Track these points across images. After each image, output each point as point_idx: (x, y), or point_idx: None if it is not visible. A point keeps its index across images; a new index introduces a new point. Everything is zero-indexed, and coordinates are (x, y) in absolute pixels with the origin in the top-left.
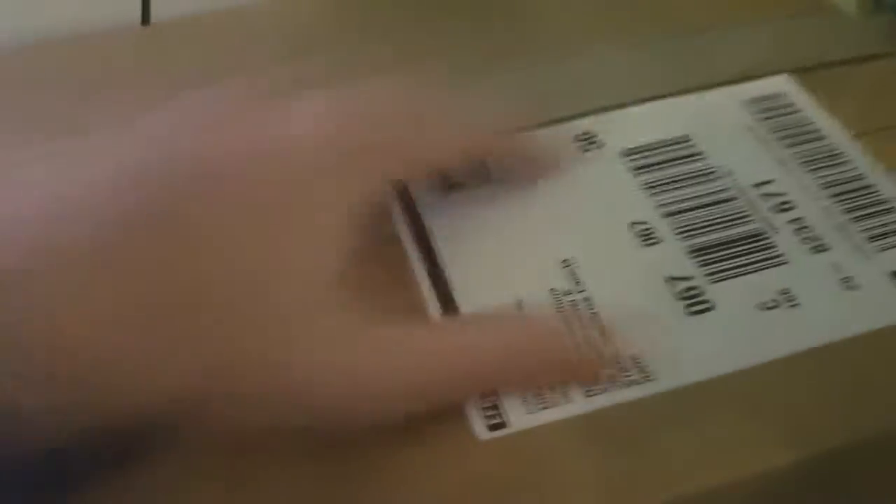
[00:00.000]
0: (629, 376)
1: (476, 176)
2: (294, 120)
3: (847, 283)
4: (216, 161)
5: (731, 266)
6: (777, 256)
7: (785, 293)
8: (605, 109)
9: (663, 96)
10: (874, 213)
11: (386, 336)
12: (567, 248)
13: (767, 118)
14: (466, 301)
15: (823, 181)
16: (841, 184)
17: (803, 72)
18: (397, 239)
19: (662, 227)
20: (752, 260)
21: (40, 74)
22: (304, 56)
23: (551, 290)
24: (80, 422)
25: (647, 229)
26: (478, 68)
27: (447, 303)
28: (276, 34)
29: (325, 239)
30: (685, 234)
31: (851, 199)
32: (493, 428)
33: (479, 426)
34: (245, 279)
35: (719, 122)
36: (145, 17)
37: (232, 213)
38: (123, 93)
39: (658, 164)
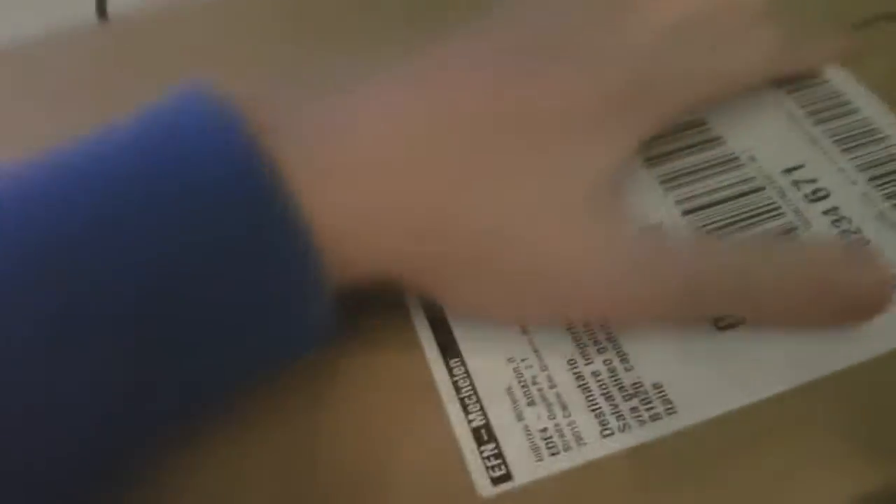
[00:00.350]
0: (651, 408)
1: None
2: None
3: None
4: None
5: None
6: None
7: None
8: None
9: None
10: None
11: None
12: None
13: (792, 91)
14: (463, 329)
15: (860, 162)
16: (880, 164)
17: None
18: None
19: (679, 228)
20: None
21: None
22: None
23: None
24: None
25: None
26: None
27: (443, 335)
28: (238, 27)
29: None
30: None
31: (893, 182)
32: (497, 481)
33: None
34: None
35: (740, 101)
36: (101, 12)
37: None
38: (88, 95)
39: (673, 152)
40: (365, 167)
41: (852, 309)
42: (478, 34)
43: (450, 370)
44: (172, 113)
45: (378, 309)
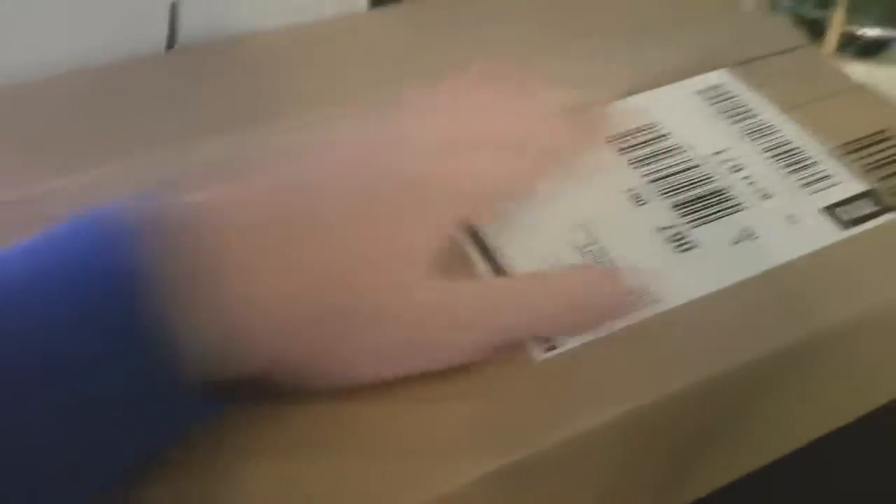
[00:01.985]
0: (644, 300)
1: None
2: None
3: (791, 219)
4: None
5: (705, 215)
6: (737, 205)
7: (747, 231)
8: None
9: (632, 93)
10: (803, 167)
11: (471, 286)
12: (580, 214)
13: (714, 103)
14: (510, 260)
15: (763, 147)
16: (776, 148)
17: (735, 65)
18: None
19: (649, 191)
20: (720, 209)
21: (73, 103)
22: (338, 80)
23: (574, 245)
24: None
25: (637, 194)
26: None
27: (494, 262)
28: (304, 58)
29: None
30: (667, 195)
31: (785, 158)
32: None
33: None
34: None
35: (678, 109)
36: (171, 42)
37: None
38: (154, 118)
39: (637, 145)
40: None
41: (604, 316)
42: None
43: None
44: (69, 234)
45: None
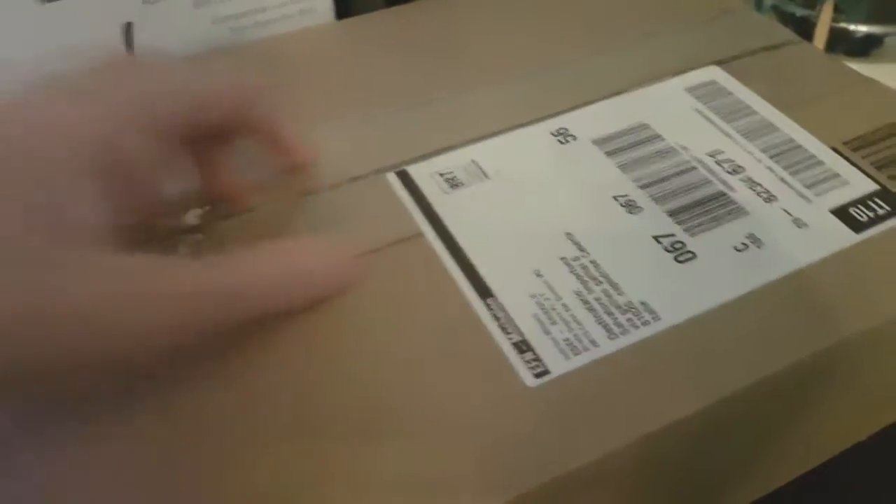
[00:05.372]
0: (642, 318)
1: (472, 175)
2: None
3: (798, 223)
4: None
5: (703, 221)
6: (739, 209)
7: (751, 237)
8: (573, 108)
9: (619, 92)
10: (807, 166)
11: (159, 265)
12: (567, 223)
13: (707, 101)
14: (495, 281)
15: (762, 146)
16: (776, 147)
17: (726, 62)
18: (421, 235)
19: (641, 198)
20: (720, 214)
21: None
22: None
23: (562, 258)
24: None
25: (629, 200)
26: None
27: (478, 283)
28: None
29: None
30: (661, 201)
31: (786, 158)
32: (539, 375)
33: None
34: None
35: (669, 109)
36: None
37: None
38: None
39: (626, 147)
40: None
41: (322, 287)
42: None
43: (487, 306)
44: None
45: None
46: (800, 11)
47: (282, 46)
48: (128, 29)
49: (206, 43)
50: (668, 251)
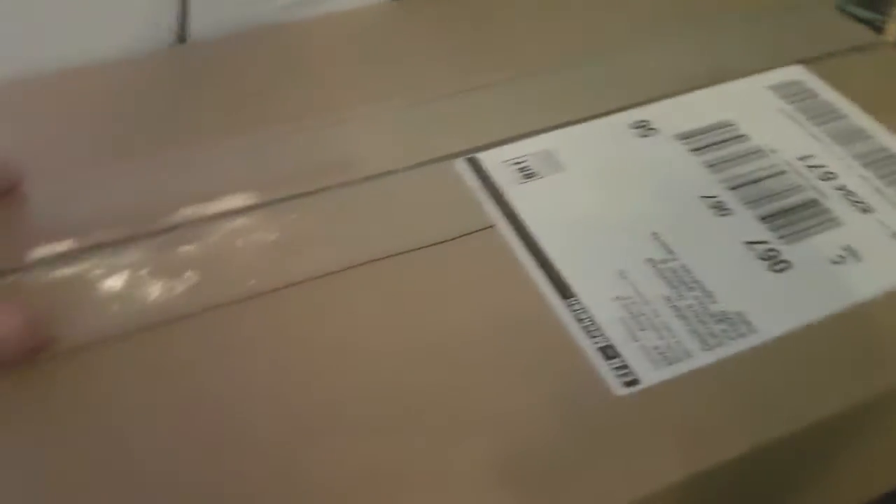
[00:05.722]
0: (738, 330)
1: (547, 165)
2: None
3: None
4: None
5: (798, 229)
6: (833, 219)
7: (848, 249)
8: (651, 100)
9: (698, 86)
10: None
11: None
12: (652, 222)
13: (793, 102)
14: (576, 280)
15: (854, 153)
16: (868, 154)
17: (810, 62)
18: (493, 227)
19: (731, 200)
20: (814, 223)
21: (86, 97)
22: (337, 77)
23: (649, 259)
24: None
25: (718, 202)
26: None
27: (558, 281)
28: (311, 53)
29: None
30: (752, 204)
31: (880, 167)
32: (628, 385)
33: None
34: None
35: (753, 107)
36: (182, 37)
37: None
38: (164, 114)
39: (712, 145)
40: None
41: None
42: None
43: (569, 306)
44: None
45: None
46: (863, 13)
47: (339, 24)
48: (183, 2)
49: (262, 18)
50: (763, 259)
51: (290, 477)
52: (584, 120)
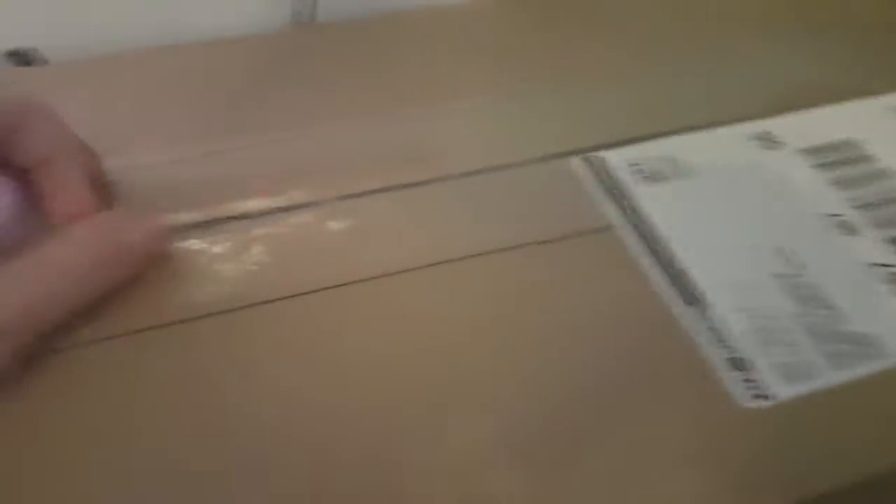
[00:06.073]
0: (867, 351)
1: (670, 169)
2: None
3: None
4: None
5: None
6: None
7: None
8: (773, 114)
9: (819, 103)
10: None
11: None
12: (778, 237)
13: None
14: (702, 287)
15: None
16: None
17: None
18: (612, 228)
19: (856, 220)
20: None
21: (207, 71)
22: (469, 59)
23: (776, 274)
24: None
25: (844, 221)
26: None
27: (682, 287)
28: (438, 38)
29: None
30: (879, 226)
31: None
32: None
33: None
34: None
35: (878, 129)
36: (310, 17)
37: None
38: (288, 95)
39: (837, 163)
40: None
41: (136, 258)
42: None
43: (694, 314)
44: None
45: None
46: None
47: (445, 16)
48: None
49: (371, 6)
50: (889, 283)
51: (387, 475)
52: (707, 127)
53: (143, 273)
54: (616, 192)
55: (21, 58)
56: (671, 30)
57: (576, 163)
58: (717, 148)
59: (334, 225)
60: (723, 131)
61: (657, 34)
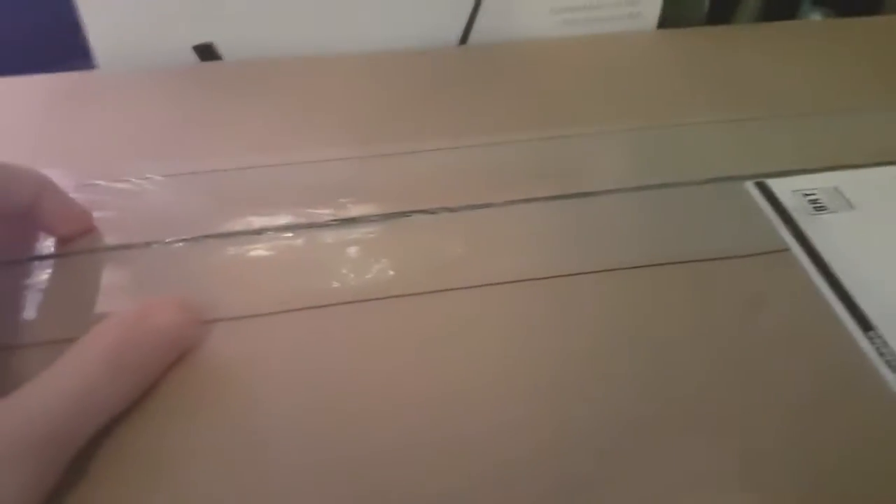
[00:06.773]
0: None
1: (836, 201)
2: None
3: None
4: None
5: None
6: None
7: None
8: None
9: None
10: None
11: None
12: None
13: None
14: (874, 314)
15: None
16: None
17: None
18: (788, 251)
19: None
20: None
21: (354, 83)
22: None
23: None
24: None
25: None
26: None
27: (857, 312)
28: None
29: None
30: None
31: None
32: None
33: None
34: None
35: None
36: (464, 39)
37: None
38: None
39: None
40: None
41: (174, 348)
42: None
43: (870, 339)
44: None
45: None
46: None
47: (605, 45)
48: (473, 11)
49: (539, 30)
50: None
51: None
52: (873, 165)
53: None
54: (787, 218)
55: (206, 53)
56: (816, 75)
57: (750, 186)
58: (881, 184)
59: (505, 228)
60: (886, 170)
61: (805, 78)
